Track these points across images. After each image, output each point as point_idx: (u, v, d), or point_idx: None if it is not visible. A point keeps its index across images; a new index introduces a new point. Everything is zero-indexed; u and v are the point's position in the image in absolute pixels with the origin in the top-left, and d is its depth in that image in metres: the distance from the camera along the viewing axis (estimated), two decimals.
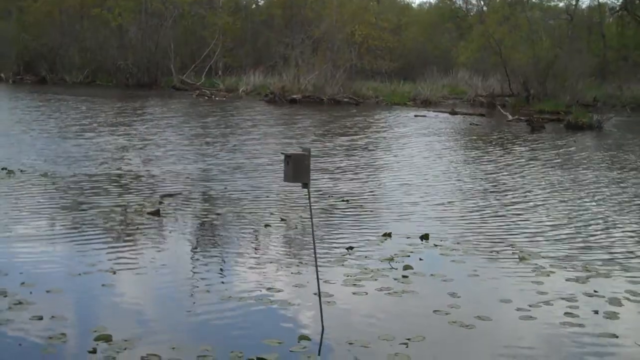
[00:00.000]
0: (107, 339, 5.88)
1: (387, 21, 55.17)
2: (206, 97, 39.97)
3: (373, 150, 19.71)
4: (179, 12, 52.30)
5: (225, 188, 12.93)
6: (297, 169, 6.31)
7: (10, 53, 50.57)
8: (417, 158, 18.14)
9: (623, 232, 10.50)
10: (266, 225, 10.07)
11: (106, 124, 23.72)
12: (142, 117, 27.05)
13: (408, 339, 6.08)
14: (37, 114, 26.03)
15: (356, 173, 15.33)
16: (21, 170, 13.92)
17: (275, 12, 56.79)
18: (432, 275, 7.95)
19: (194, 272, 7.89)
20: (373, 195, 12.96)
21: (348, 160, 17.25)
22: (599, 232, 10.38)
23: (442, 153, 19.41)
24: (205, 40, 51.21)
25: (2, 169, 13.99)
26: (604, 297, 7.33)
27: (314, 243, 6.76)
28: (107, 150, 17.31)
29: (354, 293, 7.27)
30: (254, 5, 59.68)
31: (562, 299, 7.22)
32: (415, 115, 31.16)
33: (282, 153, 6.43)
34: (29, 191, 12.15)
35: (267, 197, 12.29)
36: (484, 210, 11.73)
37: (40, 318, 6.29)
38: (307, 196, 6.68)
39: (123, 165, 15.22)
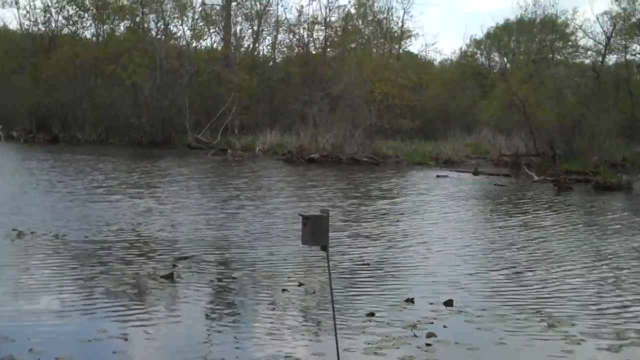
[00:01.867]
0: None
1: (407, 79, 55.07)
2: (222, 157, 39.47)
3: (405, 214, 18.84)
4: (194, 69, 52.00)
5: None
6: (316, 230, 6.08)
7: (23, 110, 50.48)
8: (451, 223, 17.29)
9: None
10: (283, 290, 9.77)
11: (132, 186, 23.11)
12: (166, 177, 26.52)
13: None
14: (55, 175, 25.55)
15: (383, 238, 14.74)
16: (32, 232, 13.64)
17: (292, 70, 56.50)
18: (456, 343, 7.62)
19: (208, 339, 7.63)
20: (398, 260, 12.43)
21: (380, 225, 16.54)
22: None
23: (474, 218, 18.81)
24: (220, 97, 50.42)
25: (13, 229, 13.75)
26: None
27: (333, 309, 6.48)
28: (129, 214, 16.60)
29: None
30: (270, 63, 59.56)
31: None
32: (437, 176, 30.62)
33: (299, 215, 6.20)
34: (34, 255, 11.84)
35: (285, 260, 11.95)
36: (521, 278, 11.22)
37: None
38: (326, 259, 6.40)
39: (144, 229, 14.72)
